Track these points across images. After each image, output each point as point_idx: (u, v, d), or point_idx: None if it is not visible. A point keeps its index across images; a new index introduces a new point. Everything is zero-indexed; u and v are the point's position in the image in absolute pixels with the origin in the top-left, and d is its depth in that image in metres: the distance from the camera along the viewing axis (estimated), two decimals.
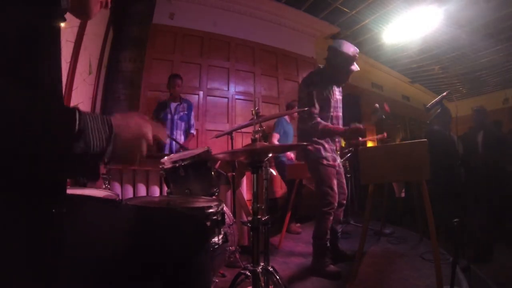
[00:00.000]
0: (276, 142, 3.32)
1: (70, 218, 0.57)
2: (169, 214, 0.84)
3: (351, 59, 1.97)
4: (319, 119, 1.95)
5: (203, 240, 0.78)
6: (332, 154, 2.04)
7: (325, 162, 1.98)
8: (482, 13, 4.36)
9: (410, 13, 4.34)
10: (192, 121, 3.27)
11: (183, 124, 3.19)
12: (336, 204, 1.97)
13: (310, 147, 1.99)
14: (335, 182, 1.99)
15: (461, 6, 4.14)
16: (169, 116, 3.13)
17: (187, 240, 0.72)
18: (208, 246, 0.88)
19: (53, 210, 0.53)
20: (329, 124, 1.97)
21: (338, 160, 2.12)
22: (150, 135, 0.58)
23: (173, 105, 3.17)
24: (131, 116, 0.58)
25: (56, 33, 0.58)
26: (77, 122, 0.48)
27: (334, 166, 2.03)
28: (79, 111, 0.50)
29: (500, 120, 3.35)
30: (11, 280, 0.47)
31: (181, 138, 3.17)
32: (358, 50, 2.01)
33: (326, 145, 2.02)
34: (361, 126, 1.90)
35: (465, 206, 2.41)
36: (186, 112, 3.22)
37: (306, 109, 1.96)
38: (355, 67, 2.01)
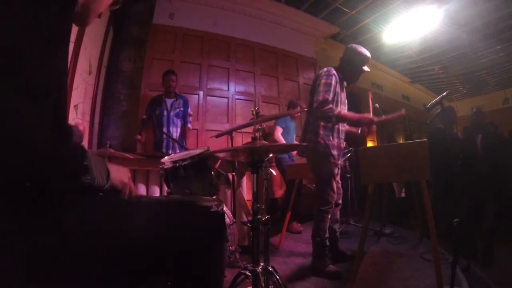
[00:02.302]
0: (279, 135, 3.31)
1: (77, 212, 0.58)
2: (182, 207, 0.86)
3: (365, 59, 2.10)
4: (333, 106, 1.93)
5: (219, 232, 0.80)
6: (338, 152, 2.04)
7: (332, 160, 1.98)
8: (482, 13, 4.36)
9: (410, 13, 4.35)
10: (189, 117, 3.20)
11: (179, 120, 3.12)
12: (333, 204, 1.98)
13: (321, 141, 1.98)
14: (335, 182, 2.00)
15: (461, 6, 4.14)
16: (165, 112, 3.05)
17: (203, 232, 0.74)
18: (224, 238, 0.90)
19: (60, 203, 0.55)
20: (342, 110, 1.99)
21: (341, 159, 2.13)
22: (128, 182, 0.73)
23: (169, 102, 3.10)
24: (117, 166, 0.72)
25: (67, 37, 0.59)
26: (85, 160, 0.59)
27: (338, 165, 2.04)
28: (85, 150, 0.61)
29: (494, 122, 3.34)
30: (15, 280, 0.48)
31: (177, 135, 3.11)
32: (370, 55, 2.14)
33: (335, 143, 2.01)
34: (374, 118, 1.98)
35: (465, 206, 2.41)
36: (182, 109, 3.15)
37: (315, 97, 1.95)
38: (366, 68, 2.12)
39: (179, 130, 3.11)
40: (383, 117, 2.09)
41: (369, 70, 2.13)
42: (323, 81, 1.96)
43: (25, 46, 0.49)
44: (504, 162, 2.62)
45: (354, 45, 2.14)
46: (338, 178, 2.13)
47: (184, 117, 3.16)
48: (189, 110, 3.21)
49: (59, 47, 0.56)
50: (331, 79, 1.95)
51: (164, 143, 3.02)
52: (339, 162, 2.07)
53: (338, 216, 2.20)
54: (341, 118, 1.97)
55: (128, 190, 0.72)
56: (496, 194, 2.55)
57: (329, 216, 1.97)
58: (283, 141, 3.31)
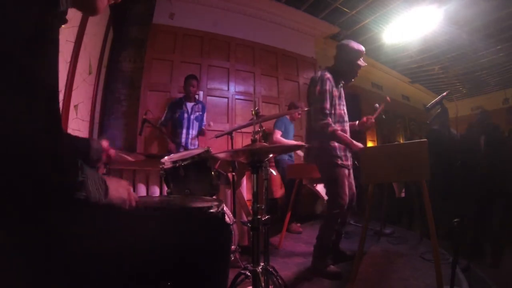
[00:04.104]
0: (279, 137, 3.31)
1: (79, 219, 0.58)
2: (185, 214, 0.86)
3: (359, 53, 2.03)
4: (330, 121, 1.91)
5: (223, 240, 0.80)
6: (345, 153, 2.00)
7: (339, 162, 1.94)
8: (482, 13, 4.36)
9: (410, 13, 4.34)
10: (205, 121, 3.37)
11: (197, 124, 3.27)
12: (346, 207, 1.94)
13: (325, 145, 1.95)
14: (347, 184, 1.96)
15: (461, 6, 4.14)
16: (185, 115, 3.20)
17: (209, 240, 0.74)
18: (229, 246, 0.90)
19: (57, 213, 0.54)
20: (339, 130, 1.92)
21: (350, 159, 2.08)
22: (127, 196, 0.71)
23: (189, 105, 3.25)
24: (117, 180, 0.71)
25: (55, 36, 0.59)
26: (79, 174, 0.58)
27: (347, 166, 2.00)
28: (82, 165, 0.59)
29: (497, 124, 3.33)
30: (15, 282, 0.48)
31: (195, 138, 3.26)
32: (364, 48, 2.07)
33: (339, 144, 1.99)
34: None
35: (466, 207, 2.41)
36: (201, 113, 3.30)
37: (312, 107, 1.94)
38: (362, 62, 2.06)
39: (197, 133, 3.27)
40: (372, 118, 2.17)
41: (365, 64, 2.07)
42: (318, 88, 1.95)
43: (11, 44, 0.48)
44: (507, 163, 2.61)
45: (345, 42, 2.08)
46: (350, 178, 2.09)
47: (202, 121, 3.33)
48: (205, 116, 3.37)
49: (47, 46, 0.55)
50: (326, 85, 1.94)
51: (183, 144, 3.13)
52: (348, 162, 2.02)
53: (347, 218, 2.18)
54: (334, 137, 1.92)
55: (127, 205, 0.71)
56: (503, 194, 2.54)
57: (339, 220, 1.95)
58: (284, 142, 3.31)
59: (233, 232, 1.67)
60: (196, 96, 3.41)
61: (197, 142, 3.26)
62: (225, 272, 0.81)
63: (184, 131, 3.17)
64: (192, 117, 3.22)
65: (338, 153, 1.96)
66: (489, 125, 2.98)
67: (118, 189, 0.68)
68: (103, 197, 0.63)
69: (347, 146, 1.94)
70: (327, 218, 1.96)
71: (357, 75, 2.11)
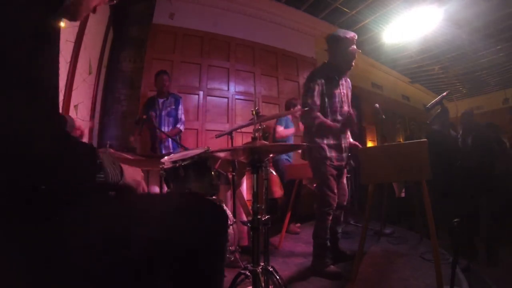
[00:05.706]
0: (281, 130, 3.30)
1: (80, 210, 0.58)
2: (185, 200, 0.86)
3: (348, 40, 2.00)
4: (317, 114, 1.95)
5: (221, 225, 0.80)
6: (337, 154, 2.01)
7: (328, 162, 1.96)
8: (482, 13, 4.36)
9: (410, 13, 4.35)
10: (181, 116, 3.15)
11: (170, 119, 3.11)
12: (335, 205, 1.96)
13: (315, 144, 1.97)
14: (335, 183, 1.97)
15: (461, 6, 4.14)
16: (157, 112, 3.08)
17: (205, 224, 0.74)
18: (226, 230, 0.91)
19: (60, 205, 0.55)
20: (327, 121, 1.95)
21: (345, 160, 2.08)
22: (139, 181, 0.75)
23: (160, 101, 3.11)
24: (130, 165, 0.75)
25: (57, 34, 0.59)
26: (98, 158, 0.62)
27: (336, 167, 2.00)
28: (96, 149, 0.64)
29: (492, 123, 3.33)
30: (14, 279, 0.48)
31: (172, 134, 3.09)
32: (355, 34, 2.04)
33: (332, 143, 1.99)
34: (351, 113, 1.96)
35: (462, 206, 2.41)
36: (173, 107, 3.13)
37: (306, 108, 1.96)
38: (354, 48, 2.02)
39: (171, 129, 3.10)
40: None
41: (359, 50, 2.04)
42: (306, 87, 2.02)
43: (12, 44, 0.49)
44: (490, 160, 2.62)
45: (333, 33, 2.08)
46: (342, 179, 2.11)
47: (176, 115, 3.14)
48: (181, 112, 3.17)
49: (47, 46, 0.56)
50: (312, 84, 1.98)
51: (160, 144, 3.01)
52: (340, 163, 2.02)
53: (341, 218, 2.18)
54: (322, 128, 1.95)
55: (141, 188, 0.74)
56: (490, 192, 2.54)
57: (330, 217, 1.96)
58: (287, 132, 3.30)
59: (228, 218, 1.67)
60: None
61: (170, 144, 3.03)
62: (222, 258, 0.81)
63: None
64: (163, 113, 3.07)
65: (328, 154, 1.97)
66: (472, 124, 3.00)
67: (133, 173, 0.72)
68: (119, 177, 0.66)
69: (338, 131, 1.97)
70: (318, 216, 1.98)
71: (352, 64, 2.05)
